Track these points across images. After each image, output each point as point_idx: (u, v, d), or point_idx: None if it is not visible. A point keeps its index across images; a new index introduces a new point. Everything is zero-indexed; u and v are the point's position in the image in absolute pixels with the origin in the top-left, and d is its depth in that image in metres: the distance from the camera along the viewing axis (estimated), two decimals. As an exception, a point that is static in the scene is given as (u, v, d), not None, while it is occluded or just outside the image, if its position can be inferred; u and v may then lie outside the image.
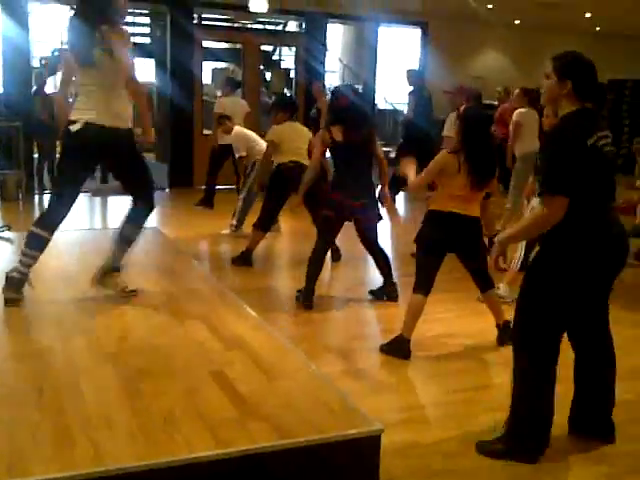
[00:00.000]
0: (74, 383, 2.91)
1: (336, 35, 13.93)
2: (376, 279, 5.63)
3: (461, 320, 5.05)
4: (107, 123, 3.89)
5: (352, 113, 5.17)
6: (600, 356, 3.22)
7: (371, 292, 5.55)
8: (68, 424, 2.53)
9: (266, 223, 6.49)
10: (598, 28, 13.41)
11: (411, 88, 9.61)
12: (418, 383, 4.07)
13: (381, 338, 4.50)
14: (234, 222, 7.68)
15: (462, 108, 4.71)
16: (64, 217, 4.04)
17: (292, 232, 8.05)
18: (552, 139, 2.96)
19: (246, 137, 7.72)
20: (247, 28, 12.65)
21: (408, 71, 9.77)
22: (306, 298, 5.19)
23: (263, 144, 6.87)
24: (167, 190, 11.23)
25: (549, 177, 2.83)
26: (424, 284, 4.26)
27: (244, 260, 6.42)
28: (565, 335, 3.14)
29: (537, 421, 3.06)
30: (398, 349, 4.26)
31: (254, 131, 8.04)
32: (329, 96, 8.69)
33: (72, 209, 4.07)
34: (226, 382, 2.94)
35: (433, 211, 4.30)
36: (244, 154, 7.59)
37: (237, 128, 7.97)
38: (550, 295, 2.96)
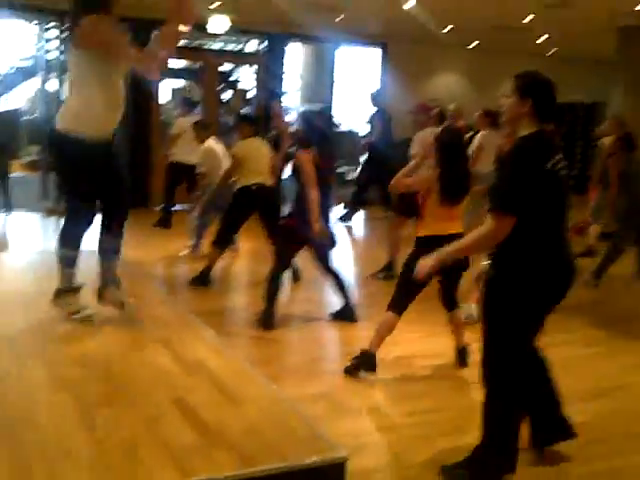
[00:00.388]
0: (31, 411, 2.83)
1: (296, 55, 13.98)
2: (336, 300, 5.62)
3: (424, 341, 5.06)
4: (77, 131, 3.83)
5: (322, 138, 5.26)
6: (539, 368, 3.25)
7: (331, 314, 5.55)
8: (25, 455, 2.45)
9: (224, 241, 6.48)
10: (554, 50, 13.68)
11: (375, 109, 9.72)
12: (381, 406, 4.06)
13: (342, 360, 4.48)
14: (192, 243, 7.59)
15: (439, 129, 4.82)
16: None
17: (250, 252, 8.01)
18: (510, 160, 2.98)
19: (214, 156, 7.47)
20: (204, 49, 12.61)
21: (372, 93, 9.90)
22: (266, 320, 5.17)
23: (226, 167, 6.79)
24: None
25: (502, 196, 2.87)
26: (401, 304, 4.29)
27: (202, 280, 6.36)
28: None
29: (503, 446, 3.05)
30: (365, 363, 4.29)
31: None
32: (288, 116, 8.73)
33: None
34: (188, 409, 2.89)
35: (420, 238, 4.36)
36: (204, 170, 7.49)
37: (208, 144, 7.60)
38: (506, 316, 2.96)
